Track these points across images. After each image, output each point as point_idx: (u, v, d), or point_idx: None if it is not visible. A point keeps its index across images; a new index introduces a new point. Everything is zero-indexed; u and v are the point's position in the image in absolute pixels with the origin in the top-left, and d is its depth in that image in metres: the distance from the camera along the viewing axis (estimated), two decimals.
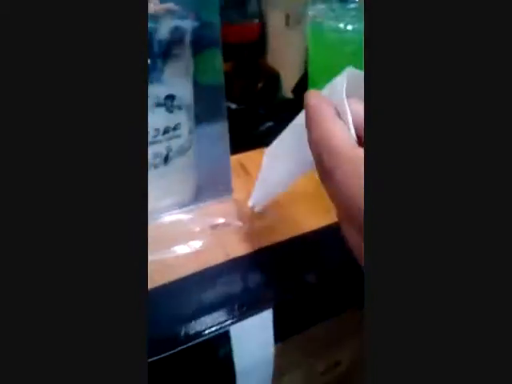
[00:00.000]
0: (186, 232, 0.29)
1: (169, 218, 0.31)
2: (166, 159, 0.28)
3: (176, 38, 0.24)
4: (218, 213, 0.31)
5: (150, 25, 0.23)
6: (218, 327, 0.21)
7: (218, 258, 0.26)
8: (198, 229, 0.29)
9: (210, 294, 0.23)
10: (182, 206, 0.31)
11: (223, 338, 0.22)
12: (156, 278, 0.24)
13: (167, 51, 0.24)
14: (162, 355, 0.20)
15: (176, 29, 0.24)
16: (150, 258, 0.25)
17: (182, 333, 0.21)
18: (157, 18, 0.23)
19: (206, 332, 0.21)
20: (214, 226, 0.30)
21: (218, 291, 0.23)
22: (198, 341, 0.21)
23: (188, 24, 0.24)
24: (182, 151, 0.29)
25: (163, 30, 0.23)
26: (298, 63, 0.45)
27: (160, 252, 0.27)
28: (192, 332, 0.21)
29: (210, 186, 0.32)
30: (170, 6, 0.23)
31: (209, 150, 0.30)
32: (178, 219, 0.31)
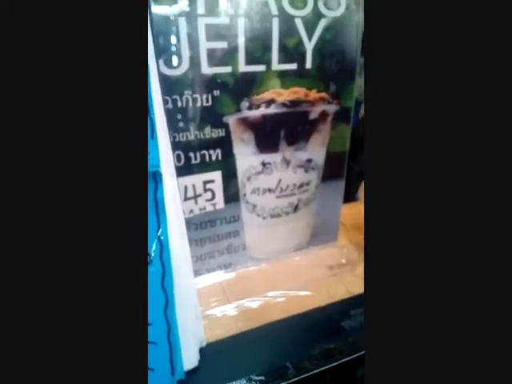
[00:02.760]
0: (306, 270, 0.35)
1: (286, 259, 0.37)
2: (296, 208, 0.35)
3: (322, 118, 0.31)
4: (330, 256, 0.36)
5: (306, 108, 0.30)
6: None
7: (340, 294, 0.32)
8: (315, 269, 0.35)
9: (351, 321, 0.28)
10: (298, 248, 0.37)
11: (361, 360, 0.26)
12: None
13: (313, 127, 0.31)
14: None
15: (324, 112, 0.31)
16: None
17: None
18: (313, 103, 0.30)
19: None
20: (330, 267, 0.35)
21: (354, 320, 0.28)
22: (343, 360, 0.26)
23: (332, 108, 0.31)
24: (308, 202, 0.35)
25: (314, 113, 0.31)
26: None
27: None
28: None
29: (322, 232, 0.38)
30: (323, 94, 0.30)
31: (326, 203, 0.36)
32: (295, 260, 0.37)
